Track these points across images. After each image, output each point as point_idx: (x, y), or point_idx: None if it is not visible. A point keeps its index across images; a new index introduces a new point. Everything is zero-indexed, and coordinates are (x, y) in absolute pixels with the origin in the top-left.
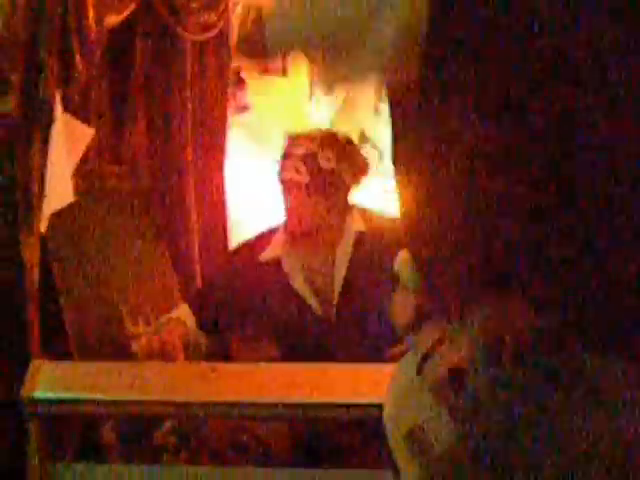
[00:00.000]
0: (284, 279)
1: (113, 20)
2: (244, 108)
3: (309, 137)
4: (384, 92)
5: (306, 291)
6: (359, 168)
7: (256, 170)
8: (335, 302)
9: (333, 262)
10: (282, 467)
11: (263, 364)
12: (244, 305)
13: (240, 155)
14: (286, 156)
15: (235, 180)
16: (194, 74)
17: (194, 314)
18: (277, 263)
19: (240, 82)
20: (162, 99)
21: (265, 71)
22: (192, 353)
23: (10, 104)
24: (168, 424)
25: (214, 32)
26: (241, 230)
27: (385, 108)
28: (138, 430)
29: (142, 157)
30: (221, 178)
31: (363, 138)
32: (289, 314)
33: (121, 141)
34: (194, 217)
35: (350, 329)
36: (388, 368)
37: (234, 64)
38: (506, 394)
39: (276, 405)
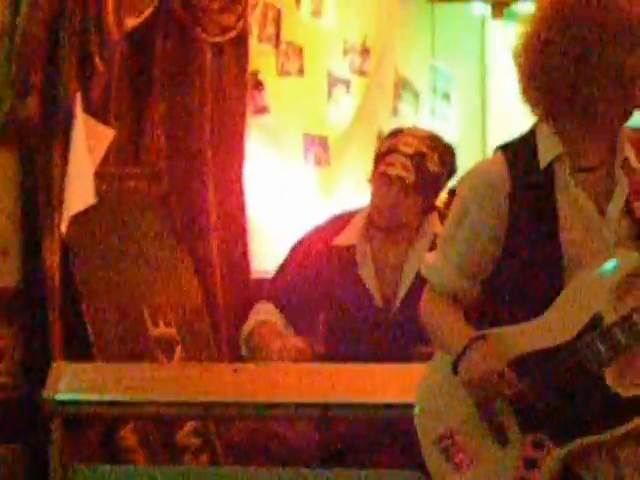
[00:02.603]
0: (354, 267)
1: (132, 22)
2: (263, 110)
3: (418, 136)
4: (401, 91)
5: (372, 282)
6: (454, 174)
7: (275, 172)
8: (399, 298)
9: (406, 260)
10: (306, 467)
11: (283, 364)
12: (315, 288)
13: (259, 157)
14: (393, 151)
15: (254, 182)
16: (213, 76)
17: (281, 311)
18: (350, 250)
19: (258, 84)
20: (181, 101)
21: (283, 72)
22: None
23: (31, 107)
24: (190, 425)
25: (233, 34)
26: (260, 232)
27: (403, 109)
28: (160, 431)
29: (162, 159)
30: (240, 180)
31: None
32: (351, 301)
33: (141, 143)
34: (214, 219)
35: (407, 328)
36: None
37: (252, 66)
38: None
39: (297, 405)
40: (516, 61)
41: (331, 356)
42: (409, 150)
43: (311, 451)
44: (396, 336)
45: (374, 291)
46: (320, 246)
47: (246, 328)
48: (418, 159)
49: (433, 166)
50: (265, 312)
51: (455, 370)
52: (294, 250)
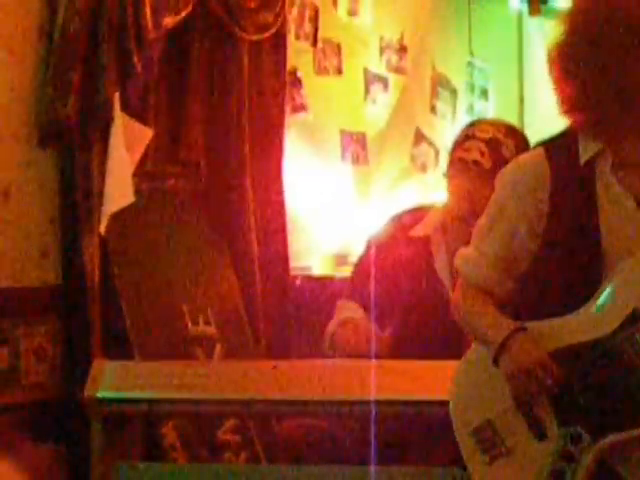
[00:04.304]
0: (429, 257)
1: (170, 21)
2: (301, 107)
3: (494, 125)
4: (438, 88)
5: (446, 273)
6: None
7: (314, 169)
8: None
9: None
10: (349, 464)
11: (320, 361)
12: (392, 281)
13: (298, 154)
14: (470, 137)
15: (293, 180)
16: (251, 74)
17: (364, 309)
18: (425, 241)
19: (296, 82)
20: (219, 99)
21: (321, 71)
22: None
23: (69, 106)
24: (230, 423)
25: (271, 32)
26: (299, 230)
27: (441, 107)
28: (200, 429)
29: (201, 157)
30: (279, 178)
31: (419, 136)
32: (425, 292)
33: (179, 142)
34: (253, 217)
35: None
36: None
37: (290, 64)
38: None
39: (336, 402)
40: (552, 57)
41: (400, 346)
42: (485, 135)
43: (357, 449)
44: None
45: (447, 282)
46: (396, 238)
47: (330, 328)
48: (494, 145)
49: (508, 153)
50: (348, 309)
51: (495, 362)
52: (368, 247)
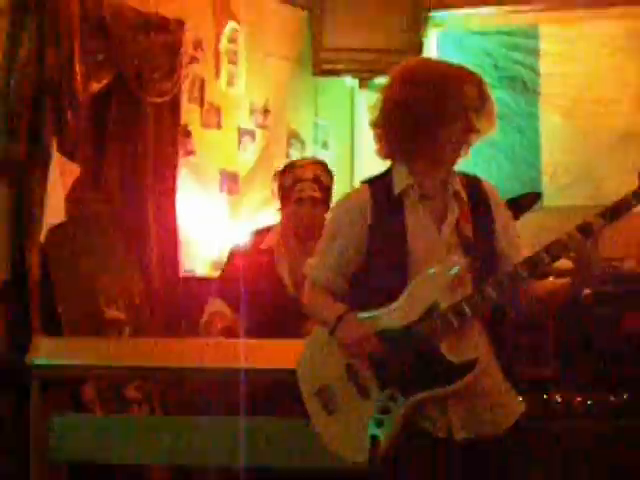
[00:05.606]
0: (273, 264)
1: (95, 86)
2: (190, 152)
3: (312, 164)
4: (292, 141)
5: (286, 276)
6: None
7: (198, 199)
8: None
9: None
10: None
11: (199, 339)
12: (248, 283)
13: (188, 186)
14: (299, 180)
15: (183, 206)
16: (154, 127)
17: (229, 302)
18: (270, 252)
19: (187, 133)
20: (130, 145)
21: (206, 125)
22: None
23: (19, 149)
24: (134, 383)
25: (169, 96)
26: (188, 243)
27: (293, 154)
28: (112, 389)
29: (115, 188)
30: (173, 205)
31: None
32: (271, 290)
33: (100, 176)
34: (153, 234)
35: None
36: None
37: (183, 120)
38: None
39: (210, 369)
40: (373, 118)
41: (255, 329)
42: (311, 175)
43: (230, 405)
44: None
45: (287, 282)
46: (249, 251)
47: (204, 318)
48: (318, 180)
49: (327, 182)
50: (215, 304)
51: (332, 333)
52: (230, 256)
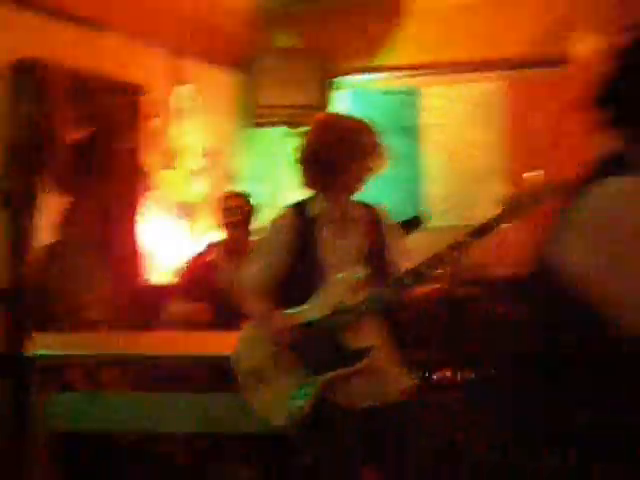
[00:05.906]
0: (216, 272)
1: (74, 137)
2: (152, 188)
3: (235, 195)
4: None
5: (226, 281)
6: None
7: (160, 224)
8: None
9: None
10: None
11: (163, 332)
12: (199, 286)
13: (152, 214)
14: (227, 209)
15: (147, 230)
16: (120, 169)
17: (186, 302)
18: (214, 263)
19: (148, 174)
20: (103, 183)
21: (164, 167)
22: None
23: (15, 183)
24: (112, 368)
25: (132, 145)
26: (152, 260)
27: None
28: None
29: (92, 220)
30: (136, 229)
31: None
32: (215, 292)
33: (80, 206)
34: (123, 252)
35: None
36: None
37: (145, 163)
38: None
39: (171, 356)
40: (297, 158)
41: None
42: (233, 204)
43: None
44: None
45: (227, 286)
46: (200, 261)
47: (165, 316)
48: (240, 208)
49: (246, 209)
50: (176, 305)
51: (262, 325)
52: (188, 265)
